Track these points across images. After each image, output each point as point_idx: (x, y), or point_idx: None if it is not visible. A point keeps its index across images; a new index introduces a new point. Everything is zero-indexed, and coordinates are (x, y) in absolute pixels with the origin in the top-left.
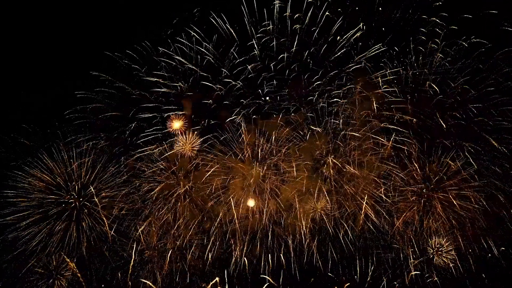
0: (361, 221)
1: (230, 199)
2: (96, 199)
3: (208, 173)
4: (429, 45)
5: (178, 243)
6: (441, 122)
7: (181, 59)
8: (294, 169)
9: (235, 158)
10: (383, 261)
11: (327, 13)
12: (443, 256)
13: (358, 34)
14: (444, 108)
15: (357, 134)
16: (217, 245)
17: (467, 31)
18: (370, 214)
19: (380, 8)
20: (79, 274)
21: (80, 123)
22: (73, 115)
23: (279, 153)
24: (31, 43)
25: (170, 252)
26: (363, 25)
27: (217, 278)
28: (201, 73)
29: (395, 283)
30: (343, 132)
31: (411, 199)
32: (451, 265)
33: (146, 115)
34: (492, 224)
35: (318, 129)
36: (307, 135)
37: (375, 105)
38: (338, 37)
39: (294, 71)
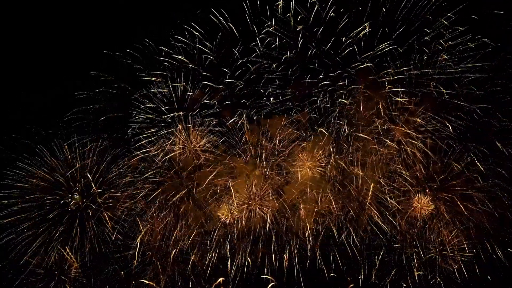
0: (365, 222)
1: (233, 200)
2: (100, 200)
3: (212, 174)
4: (433, 45)
5: (181, 244)
6: (446, 122)
7: (184, 59)
8: (298, 169)
9: (238, 159)
10: (387, 262)
11: (331, 13)
12: (447, 257)
13: (362, 34)
14: (449, 108)
15: (361, 135)
16: (220, 246)
17: (473, 31)
18: (374, 214)
19: (384, 9)
20: (81, 274)
21: (82, 124)
22: (75, 115)
23: (282, 154)
24: (31, 43)
25: (173, 253)
26: (368, 25)
27: (220, 279)
28: (204, 73)
29: (402, 283)
30: (346, 133)
31: (415, 199)
32: (455, 266)
33: (148, 116)
34: (497, 226)
35: (321, 129)
36: (310, 136)
37: (381, 105)
38: (343, 38)
39: (297, 71)
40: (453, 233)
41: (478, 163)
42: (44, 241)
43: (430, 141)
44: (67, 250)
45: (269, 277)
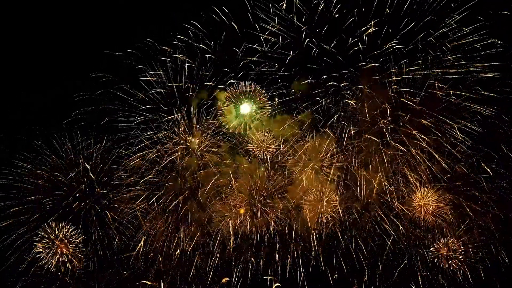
0: (369, 223)
1: (236, 200)
2: (104, 201)
3: (216, 177)
4: (438, 45)
5: (184, 244)
6: (452, 123)
7: (187, 59)
8: (302, 170)
9: (242, 158)
10: (391, 263)
11: (335, 13)
12: (451, 258)
13: (366, 34)
14: (454, 109)
15: (366, 135)
16: (224, 247)
17: (480, 31)
18: (378, 216)
19: (388, 10)
20: (85, 276)
21: (85, 125)
22: (79, 116)
23: (286, 154)
24: (31, 43)
25: (176, 254)
26: (373, 25)
27: (224, 280)
28: (206, 73)
29: (411, 285)
30: (351, 133)
31: (419, 199)
32: (460, 268)
33: (151, 116)
34: (502, 227)
35: (325, 130)
36: (314, 136)
37: (386, 105)
38: (348, 38)
39: (301, 71)
40: (457, 233)
41: (483, 164)
42: (47, 243)
43: (435, 142)
44: (71, 251)
45: (273, 278)
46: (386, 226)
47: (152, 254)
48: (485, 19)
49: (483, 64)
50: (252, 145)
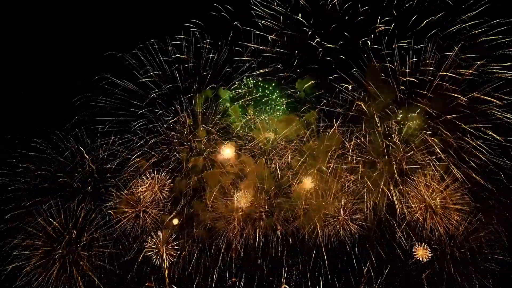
0: (374, 225)
1: (242, 199)
2: (111, 203)
3: (222, 177)
4: (445, 45)
5: (188, 244)
6: (462, 124)
7: (190, 59)
8: (307, 170)
9: (248, 158)
10: (396, 264)
11: (340, 13)
12: (456, 262)
13: (373, 34)
14: (462, 111)
15: (373, 136)
16: (230, 248)
17: (490, 32)
18: (384, 218)
19: (395, 13)
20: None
21: (89, 126)
22: (86, 118)
23: (293, 153)
24: (31, 44)
25: (183, 254)
26: (380, 25)
27: (230, 281)
28: (210, 72)
29: None
30: (356, 134)
31: (425, 201)
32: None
33: (155, 116)
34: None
35: (331, 130)
36: (320, 136)
37: (394, 106)
38: (352, 37)
39: (306, 71)
40: (464, 235)
41: (493, 167)
42: (51, 244)
43: (443, 143)
44: (76, 251)
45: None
46: (391, 228)
47: (157, 256)
48: (495, 20)
49: (494, 65)
50: (257, 146)
